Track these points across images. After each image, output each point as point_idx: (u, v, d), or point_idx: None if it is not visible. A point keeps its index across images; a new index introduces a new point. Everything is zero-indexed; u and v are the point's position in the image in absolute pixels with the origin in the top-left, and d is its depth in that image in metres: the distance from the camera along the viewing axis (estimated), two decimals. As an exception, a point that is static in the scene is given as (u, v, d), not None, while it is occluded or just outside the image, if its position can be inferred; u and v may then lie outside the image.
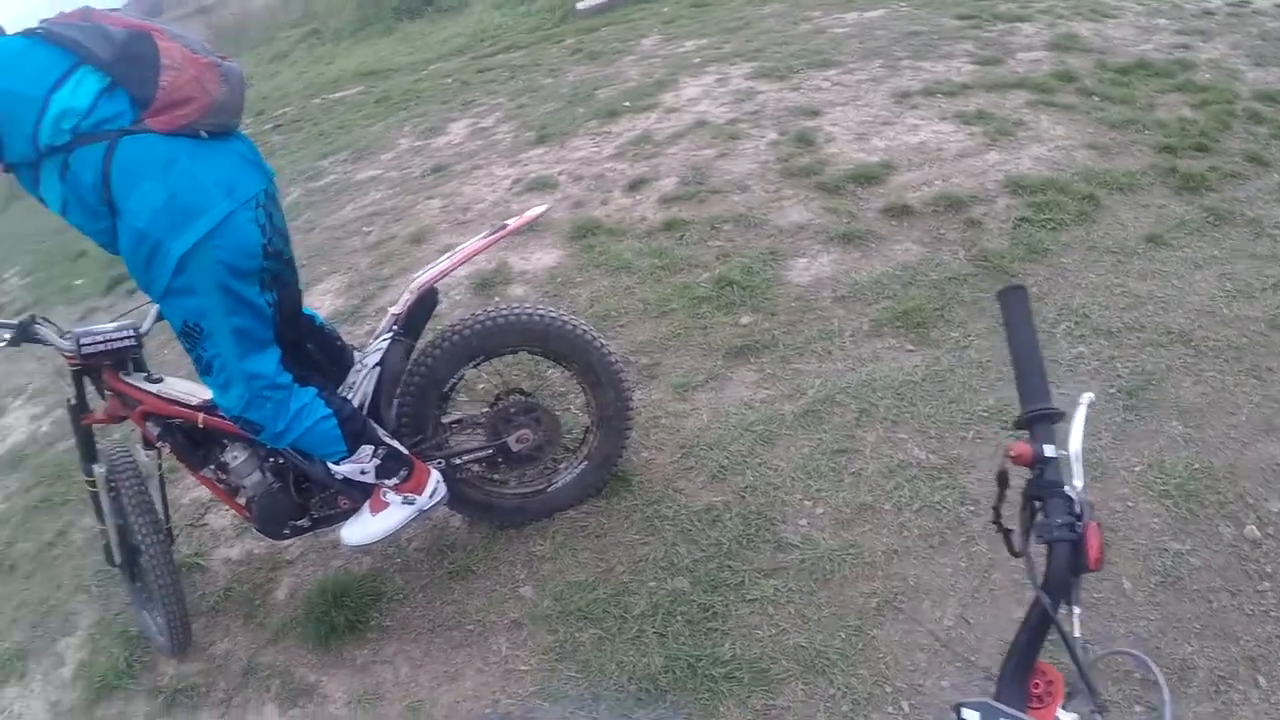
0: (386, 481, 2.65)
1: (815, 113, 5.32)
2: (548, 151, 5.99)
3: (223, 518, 3.69)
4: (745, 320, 3.58)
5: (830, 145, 4.90)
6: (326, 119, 9.24)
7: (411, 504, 2.70)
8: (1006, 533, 1.23)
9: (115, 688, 3.14)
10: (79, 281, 7.68)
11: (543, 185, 5.39)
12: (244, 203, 2.28)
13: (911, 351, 3.35)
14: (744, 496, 2.84)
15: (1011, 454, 1.18)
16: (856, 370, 3.16)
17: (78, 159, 2.16)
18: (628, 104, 6.34)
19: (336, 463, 2.58)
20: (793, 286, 3.72)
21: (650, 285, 3.95)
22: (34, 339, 2.70)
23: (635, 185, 4.98)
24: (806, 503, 2.82)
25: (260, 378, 2.40)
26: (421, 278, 2.61)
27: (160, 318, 2.74)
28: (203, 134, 2.24)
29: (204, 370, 2.41)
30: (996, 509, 1.26)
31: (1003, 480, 1.24)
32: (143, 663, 3.19)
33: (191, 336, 2.34)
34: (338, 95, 10.36)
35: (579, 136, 6.08)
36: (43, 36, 2.21)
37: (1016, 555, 1.19)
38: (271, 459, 2.79)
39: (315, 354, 2.79)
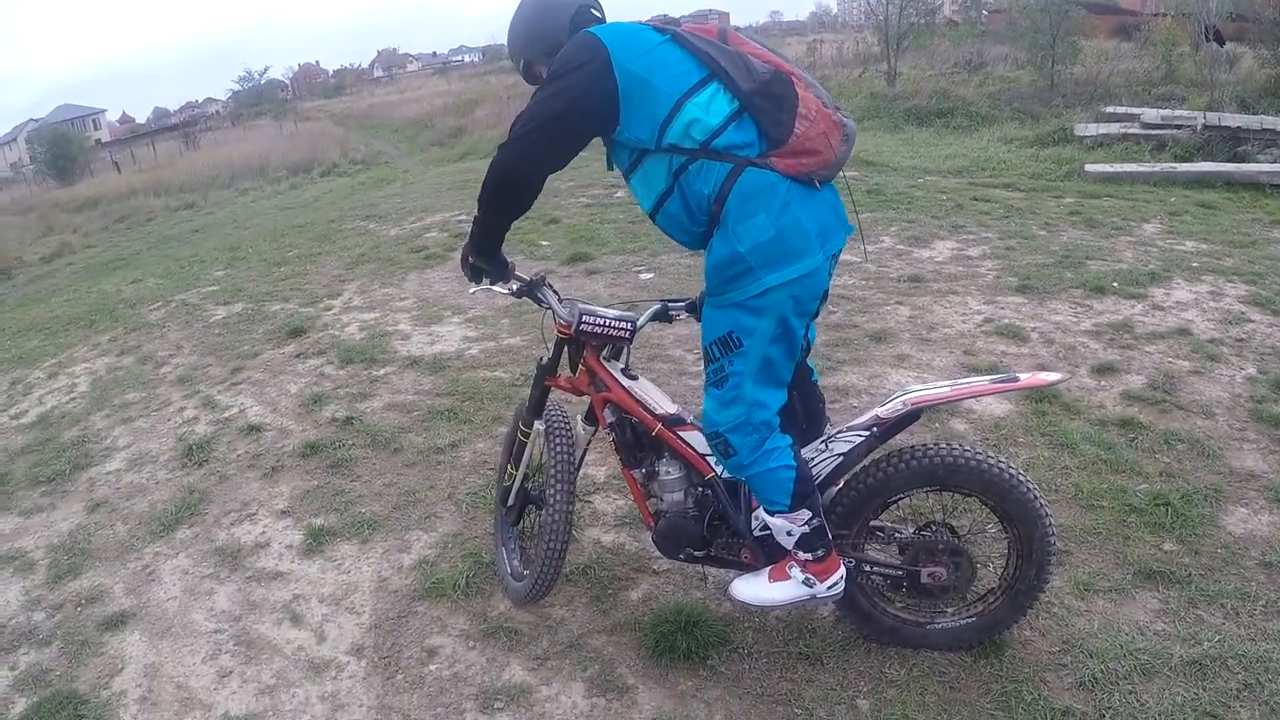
0: (802, 553, 2.69)
1: (1303, 362, 4.94)
2: (1025, 303, 6.02)
3: (610, 503, 3.98)
4: (1168, 547, 3.44)
5: (1308, 402, 4.55)
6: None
7: (810, 587, 2.73)
8: None
9: (444, 595, 3.45)
10: (545, 243, 8.63)
11: (1013, 334, 5.44)
12: (829, 255, 2.49)
13: (1318, 646, 3.08)
14: (1104, 716, 2.73)
15: None
16: (1256, 643, 2.94)
17: (700, 169, 2.41)
18: (1116, 285, 6.21)
19: (771, 514, 2.66)
20: (1224, 533, 3.52)
21: (1088, 474, 3.89)
22: (536, 298, 2.95)
23: (1103, 370, 4.91)
24: (1157, 752, 2.70)
25: (763, 409, 2.56)
26: (920, 395, 2.68)
27: (655, 318, 2.97)
28: (815, 183, 2.43)
29: (716, 382, 2.57)
30: None
31: None
32: (480, 588, 3.49)
33: (727, 347, 2.51)
34: (833, 170, 10.75)
35: (1059, 299, 6.05)
36: (673, 38, 2.46)
37: None
38: (700, 488, 2.91)
39: (796, 405, 2.89)
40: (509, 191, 2.57)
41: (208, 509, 4.35)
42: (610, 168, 2.72)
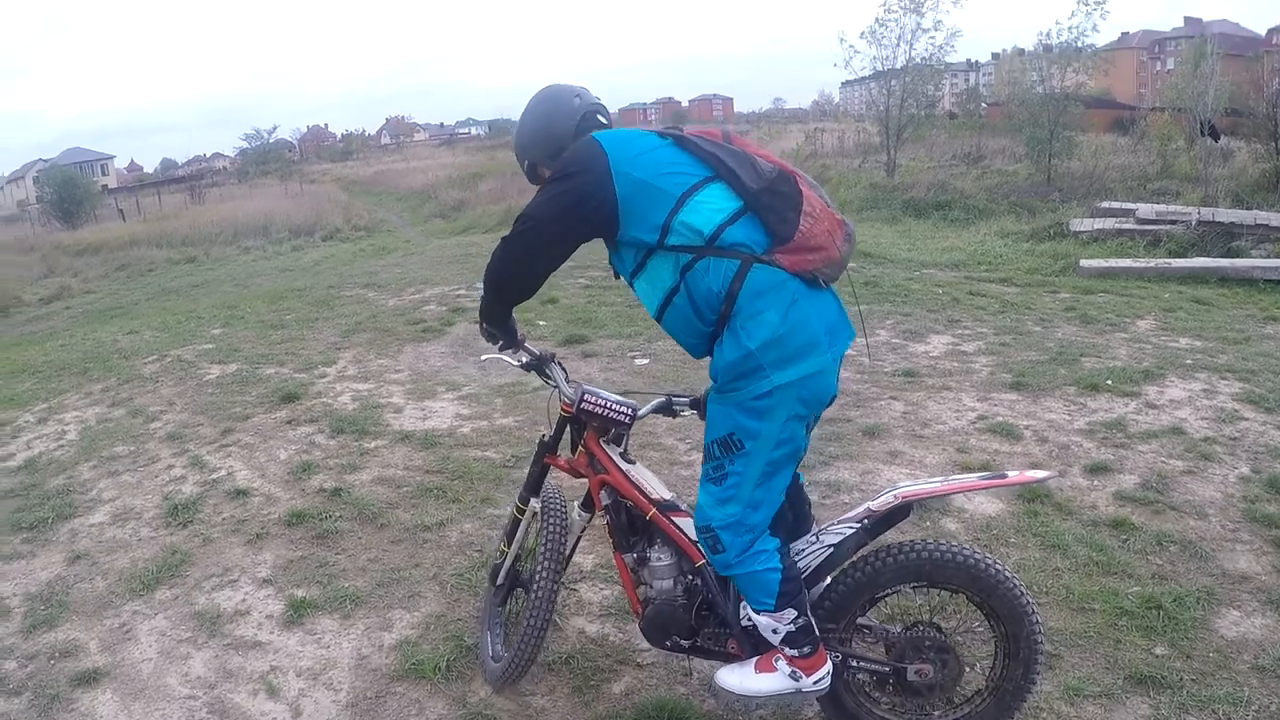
0: (789, 650, 2.66)
1: (1295, 461, 4.94)
2: (1019, 400, 6.04)
3: (596, 593, 3.93)
4: (1159, 651, 3.41)
5: (1302, 504, 4.54)
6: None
7: (796, 681, 2.68)
8: None
9: (424, 678, 3.39)
10: (542, 323, 8.66)
11: (1006, 432, 5.44)
12: (836, 356, 2.50)
13: (1310, 759, 3.02)
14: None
15: None
16: (1249, 748, 2.93)
17: (708, 266, 2.41)
18: (1110, 383, 6.25)
19: (757, 612, 2.64)
20: (1216, 636, 3.49)
21: (1079, 576, 3.86)
22: (544, 374, 3.02)
23: (1096, 469, 4.90)
24: None
25: (758, 511, 2.55)
26: (911, 490, 2.69)
27: (659, 411, 2.98)
28: (821, 282, 2.46)
29: (714, 479, 2.55)
30: None
31: None
32: (461, 672, 3.42)
33: (729, 448, 2.50)
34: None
35: (1054, 397, 6.08)
36: (676, 142, 2.54)
37: None
38: (690, 576, 2.89)
39: (785, 505, 2.84)
40: (505, 285, 2.70)
41: (189, 571, 4.29)
42: (617, 275, 2.74)
